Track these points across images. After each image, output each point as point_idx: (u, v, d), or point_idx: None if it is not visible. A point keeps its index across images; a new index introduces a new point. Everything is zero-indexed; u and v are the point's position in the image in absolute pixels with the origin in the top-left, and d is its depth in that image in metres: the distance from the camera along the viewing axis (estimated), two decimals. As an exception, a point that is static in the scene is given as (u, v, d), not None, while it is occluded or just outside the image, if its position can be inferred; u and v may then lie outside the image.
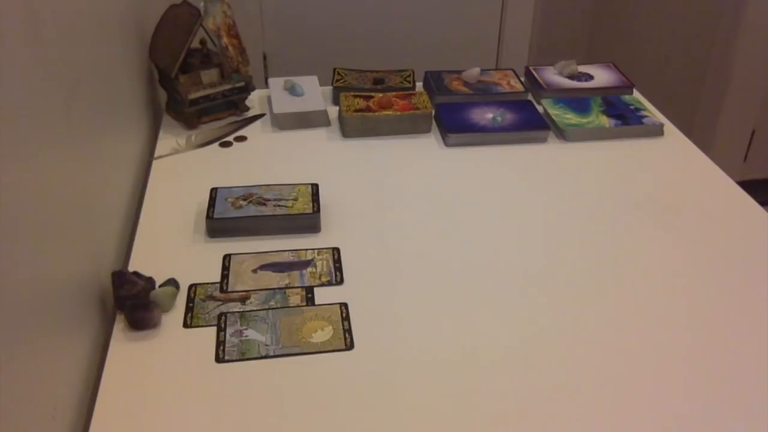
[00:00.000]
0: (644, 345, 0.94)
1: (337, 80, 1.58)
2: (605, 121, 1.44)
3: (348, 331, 0.95)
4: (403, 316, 0.98)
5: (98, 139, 1.07)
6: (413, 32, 2.59)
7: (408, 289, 1.03)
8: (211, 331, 0.95)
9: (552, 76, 1.61)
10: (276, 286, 1.03)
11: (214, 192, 1.18)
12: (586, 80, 1.59)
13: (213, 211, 1.13)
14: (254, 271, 1.06)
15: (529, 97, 1.57)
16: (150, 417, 0.83)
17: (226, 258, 1.08)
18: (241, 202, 1.16)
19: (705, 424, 0.83)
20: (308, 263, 1.07)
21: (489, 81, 1.60)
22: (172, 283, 1.01)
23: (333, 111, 1.51)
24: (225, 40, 1.42)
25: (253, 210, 1.14)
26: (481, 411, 0.84)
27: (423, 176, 1.30)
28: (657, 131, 1.44)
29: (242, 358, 0.91)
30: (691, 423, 0.83)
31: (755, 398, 0.86)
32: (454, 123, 1.42)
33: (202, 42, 1.44)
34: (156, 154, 1.35)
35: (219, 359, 0.91)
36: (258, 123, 1.47)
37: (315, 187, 1.20)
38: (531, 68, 1.65)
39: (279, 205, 1.15)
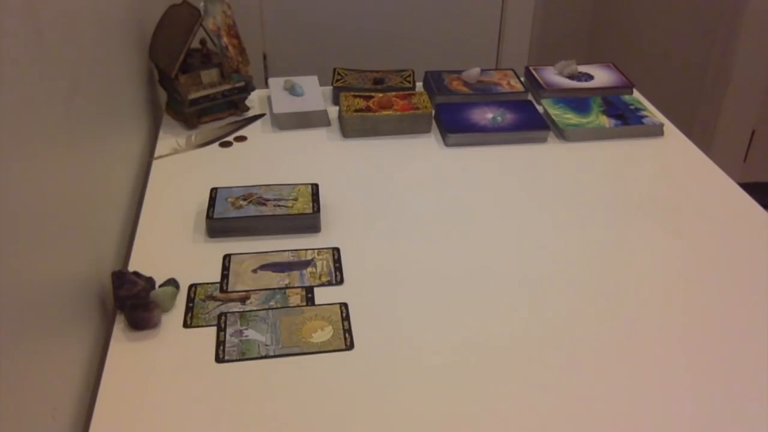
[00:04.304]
0: (644, 344, 0.94)
1: (337, 80, 1.58)
2: (605, 121, 1.44)
3: (348, 331, 0.95)
4: (403, 316, 0.98)
5: (98, 139, 1.07)
6: (413, 32, 2.59)
7: (408, 289, 1.03)
8: (211, 331, 0.95)
9: (552, 76, 1.61)
10: (276, 286, 1.03)
11: (214, 192, 1.18)
12: (586, 80, 1.59)
13: (213, 211, 1.13)
14: (254, 271, 1.06)
15: (529, 97, 1.57)
16: (150, 417, 0.83)
17: (226, 258, 1.08)
18: (241, 202, 1.16)
19: (705, 423, 0.83)
20: (308, 263, 1.07)
21: (489, 81, 1.60)
22: (172, 283, 1.01)
23: (333, 111, 1.51)
24: (225, 40, 1.42)
25: (253, 210, 1.14)
26: (481, 411, 0.84)
27: (423, 176, 1.30)
28: (657, 131, 1.44)
29: (242, 358, 0.91)
30: (690, 422, 0.83)
31: (755, 398, 0.86)
32: (454, 123, 1.42)
33: (202, 42, 1.44)
34: (156, 154, 1.35)
35: (219, 359, 0.91)
36: (258, 123, 1.47)
37: (315, 187, 1.20)
38: (531, 68, 1.65)
39: (279, 205, 1.15)
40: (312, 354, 0.92)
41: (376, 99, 1.46)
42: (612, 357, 0.92)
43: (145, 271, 1.02)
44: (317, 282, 1.04)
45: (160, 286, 1.00)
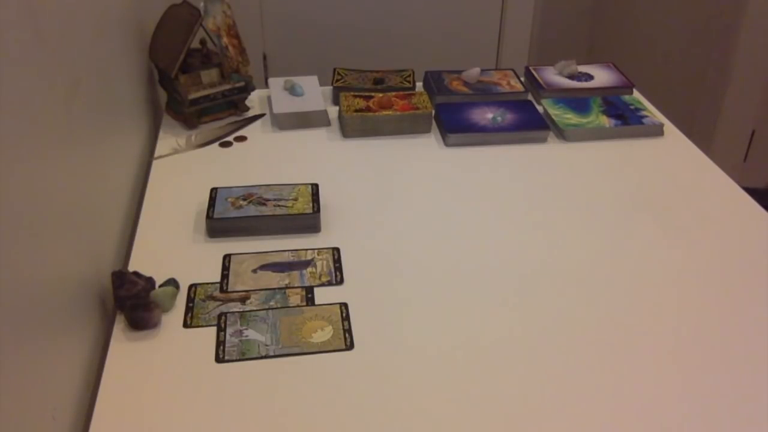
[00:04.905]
0: (643, 344, 0.94)
1: (337, 80, 1.58)
2: (605, 121, 1.44)
3: (348, 331, 0.95)
4: (402, 316, 0.98)
5: (98, 139, 1.07)
6: (413, 32, 2.59)
7: (408, 288, 1.03)
8: (211, 331, 0.95)
9: (552, 76, 1.61)
10: (276, 286, 1.03)
11: (214, 192, 1.18)
12: (586, 80, 1.59)
13: (213, 211, 1.13)
14: (254, 271, 1.06)
15: (529, 97, 1.57)
16: (150, 417, 0.83)
17: (226, 258, 1.08)
18: (241, 202, 1.16)
19: (703, 423, 0.83)
20: (308, 263, 1.07)
21: (489, 81, 1.60)
22: (172, 283, 1.01)
23: (333, 111, 1.51)
24: (225, 40, 1.42)
25: (253, 210, 1.14)
26: (481, 410, 0.84)
27: (423, 176, 1.30)
28: (657, 131, 1.44)
29: (242, 358, 0.91)
30: (689, 423, 0.83)
31: (755, 398, 0.86)
32: (454, 123, 1.42)
33: (202, 42, 1.44)
34: (156, 154, 1.35)
35: (219, 359, 0.91)
36: (258, 123, 1.47)
37: (315, 187, 1.20)
38: (531, 68, 1.65)
39: (279, 205, 1.15)
40: (312, 354, 0.92)
41: (376, 99, 1.46)
42: (610, 355, 0.92)
43: (145, 271, 1.02)
44: (317, 282, 1.04)
45: (160, 286, 1.00)
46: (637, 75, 2.24)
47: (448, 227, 1.16)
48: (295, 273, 1.05)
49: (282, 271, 1.05)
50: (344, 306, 0.99)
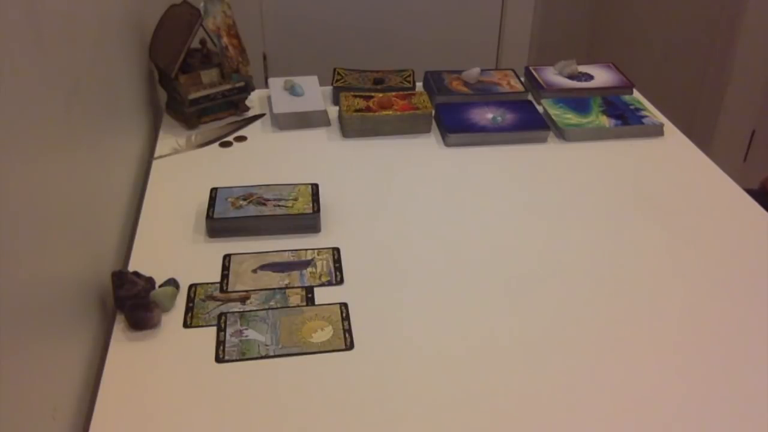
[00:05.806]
0: (643, 344, 0.94)
1: (337, 80, 1.58)
2: (605, 121, 1.44)
3: (348, 331, 0.95)
4: (403, 316, 0.98)
5: (98, 139, 1.07)
6: (413, 32, 2.59)
7: (408, 288, 1.03)
8: (211, 331, 0.95)
9: (552, 76, 1.61)
10: (276, 286, 1.03)
11: (214, 192, 1.18)
12: (586, 80, 1.59)
13: (213, 211, 1.13)
14: (254, 271, 1.06)
15: (529, 97, 1.57)
16: (150, 417, 0.83)
17: (226, 258, 1.08)
18: (241, 202, 1.16)
19: (704, 424, 0.83)
20: (308, 263, 1.07)
21: (489, 81, 1.60)
22: (172, 283, 1.01)
23: (333, 111, 1.51)
24: (225, 40, 1.42)
25: (253, 210, 1.14)
26: (481, 411, 0.84)
27: (423, 176, 1.30)
28: (657, 131, 1.44)
29: (242, 358, 0.91)
30: (690, 423, 0.83)
31: (755, 399, 0.86)
32: (454, 123, 1.42)
33: (202, 42, 1.44)
34: (156, 154, 1.35)
35: (219, 359, 0.91)
36: (258, 123, 1.47)
37: (315, 187, 1.20)
38: (531, 68, 1.65)
39: (279, 205, 1.15)
40: (312, 354, 0.92)
41: (376, 99, 1.46)
42: (611, 355, 0.92)
43: (145, 271, 1.02)
44: (317, 282, 1.04)
45: (160, 286, 1.00)
46: (637, 75, 2.24)
47: (447, 227, 1.16)
48: (295, 273, 1.05)
49: (282, 271, 1.05)
50: (344, 306, 0.99)
